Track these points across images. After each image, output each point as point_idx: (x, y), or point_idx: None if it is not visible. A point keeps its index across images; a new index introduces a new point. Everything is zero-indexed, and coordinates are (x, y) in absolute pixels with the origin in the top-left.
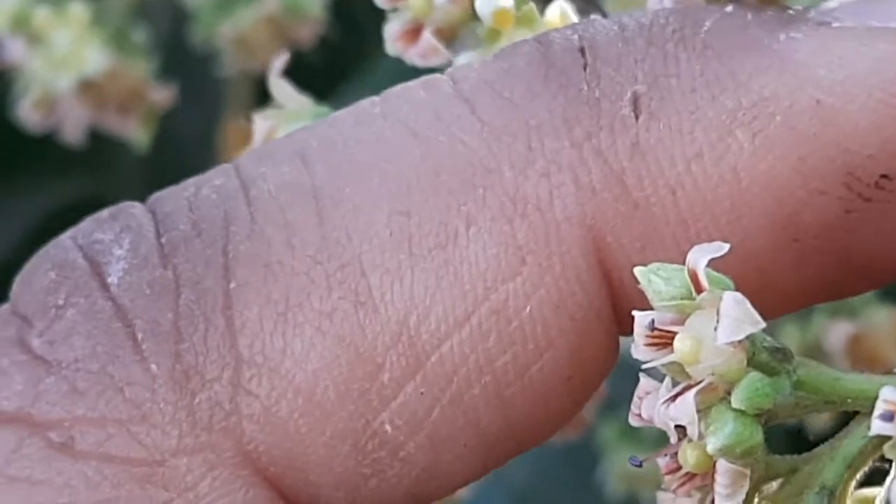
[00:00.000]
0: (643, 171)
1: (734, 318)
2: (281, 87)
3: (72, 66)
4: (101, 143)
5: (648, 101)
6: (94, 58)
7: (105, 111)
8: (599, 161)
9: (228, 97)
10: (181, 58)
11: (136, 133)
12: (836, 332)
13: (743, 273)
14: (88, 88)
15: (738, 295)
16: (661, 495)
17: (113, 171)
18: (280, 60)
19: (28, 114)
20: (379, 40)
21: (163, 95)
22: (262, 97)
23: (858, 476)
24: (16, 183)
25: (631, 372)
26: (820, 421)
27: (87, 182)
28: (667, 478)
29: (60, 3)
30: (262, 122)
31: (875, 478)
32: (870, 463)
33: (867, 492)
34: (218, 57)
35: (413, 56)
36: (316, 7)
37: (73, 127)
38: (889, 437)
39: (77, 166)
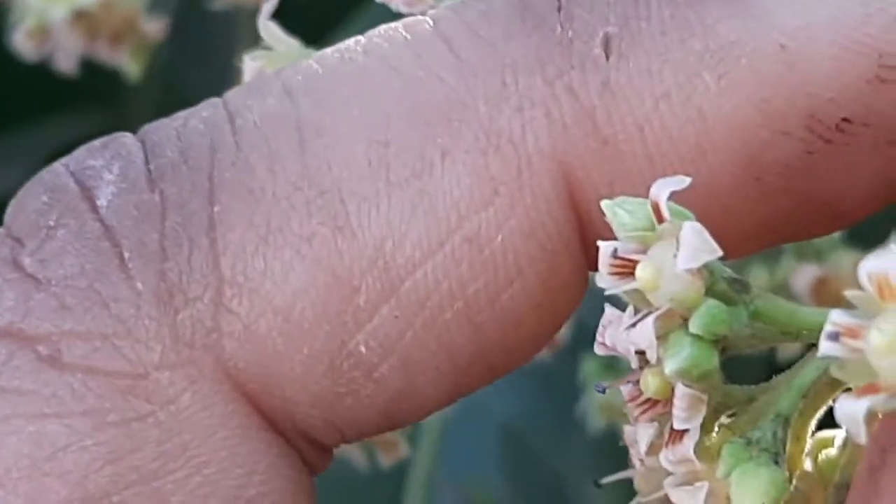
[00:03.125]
0: (612, 108)
1: (693, 246)
2: (270, 30)
3: None
4: (107, 81)
5: (619, 42)
6: None
7: (97, 41)
8: (571, 98)
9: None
10: None
11: (128, 63)
12: (803, 275)
13: (707, 210)
14: (82, 18)
15: (697, 224)
16: (626, 428)
17: (120, 105)
18: (270, 3)
19: (22, 43)
20: None
21: (155, 27)
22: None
23: (818, 417)
24: (22, 119)
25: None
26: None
27: (95, 119)
28: (629, 405)
29: None
30: (251, 63)
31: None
32: (830, 402)
33: (827, 434)
34: None
35: (398, 3)
36: None
37: (66, 57)
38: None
39: (85, 104)
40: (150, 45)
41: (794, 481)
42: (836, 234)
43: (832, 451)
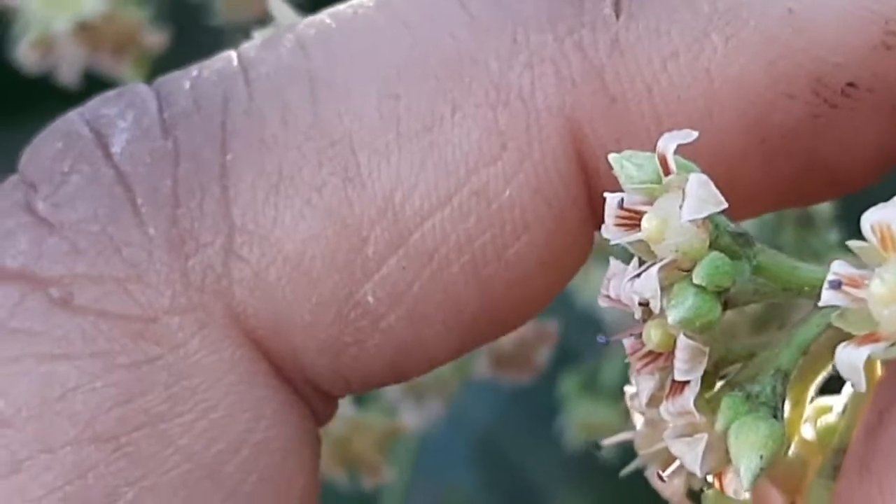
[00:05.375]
0: (621, 67)
1: (698, 197)
2: (279, 8)
3: (69, 8)
4: (100, 87)
5: (629, 3)
6: (92, 1)
7: (100, 53)
8: (580, 56)
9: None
10: (176, 6)
11: (130, 75)
12: None
13: (712, 171)
14: (85, 30)
15: (703, 176)
16: (627, 388)
17: None
18: None
19: (26, 54)
20: None
21: (156, 39)
22: None
23: (819, 381)
24: (15, 123)
25: (590, 326)
26: None
27: None
28: (631, 358)
29: None
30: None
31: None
32: (830, 367)
33: (826, 400)
34: (212, 6)
35: None
36: None
37: (69, 68)
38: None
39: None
40: (152, 56)
41: (792, 446)
42: (834, 237)
43: (831, 417)
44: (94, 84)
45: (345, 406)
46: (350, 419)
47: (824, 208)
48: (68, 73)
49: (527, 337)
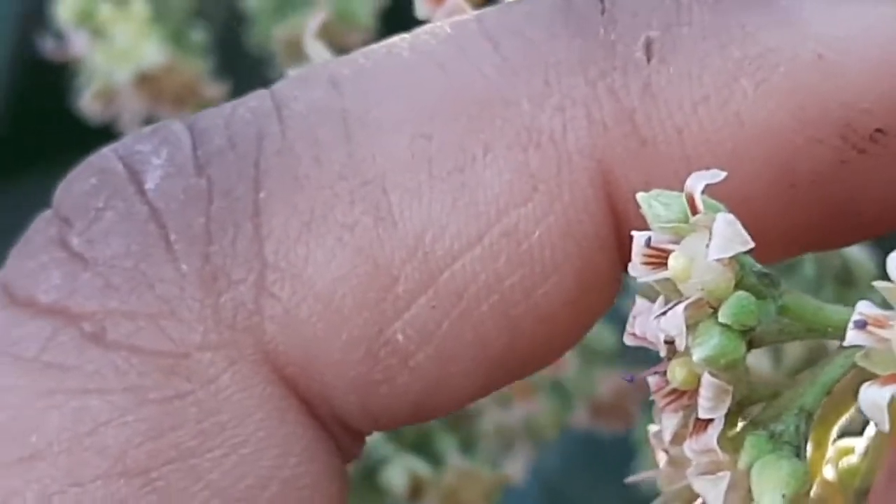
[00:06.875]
0: (652, 110)
1: (725, 236)
2: (315, 47)
3: (131, 60)
4: None
5: (661, 47)
6: (152, 52)
7: (161, 104)
8: (612, 99)
9: None
10: (236, 59)
11: None
12: None
13: (739, 213)
14: (146, 82)
15: (730, 216)
16: (651, 427)
17: None
18: (315, 21)
19: (88, 105)
20: None
21: (216, 91)
22: None
23: (841, 421)
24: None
25: None
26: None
27: None
28: (656, 396)
29: (123, 0)
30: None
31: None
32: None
33: (848, 441)
34: (272, 59)
35: (441, 16)
36: (366, 15)
37: (130, 118)
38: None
39: None
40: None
41: (814, 487)
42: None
43: (853, 459)
44: None
45: (454, 456)
46: (459, 469)
47: (866, 265)
48: (129, 124)
49: (624, 386)
